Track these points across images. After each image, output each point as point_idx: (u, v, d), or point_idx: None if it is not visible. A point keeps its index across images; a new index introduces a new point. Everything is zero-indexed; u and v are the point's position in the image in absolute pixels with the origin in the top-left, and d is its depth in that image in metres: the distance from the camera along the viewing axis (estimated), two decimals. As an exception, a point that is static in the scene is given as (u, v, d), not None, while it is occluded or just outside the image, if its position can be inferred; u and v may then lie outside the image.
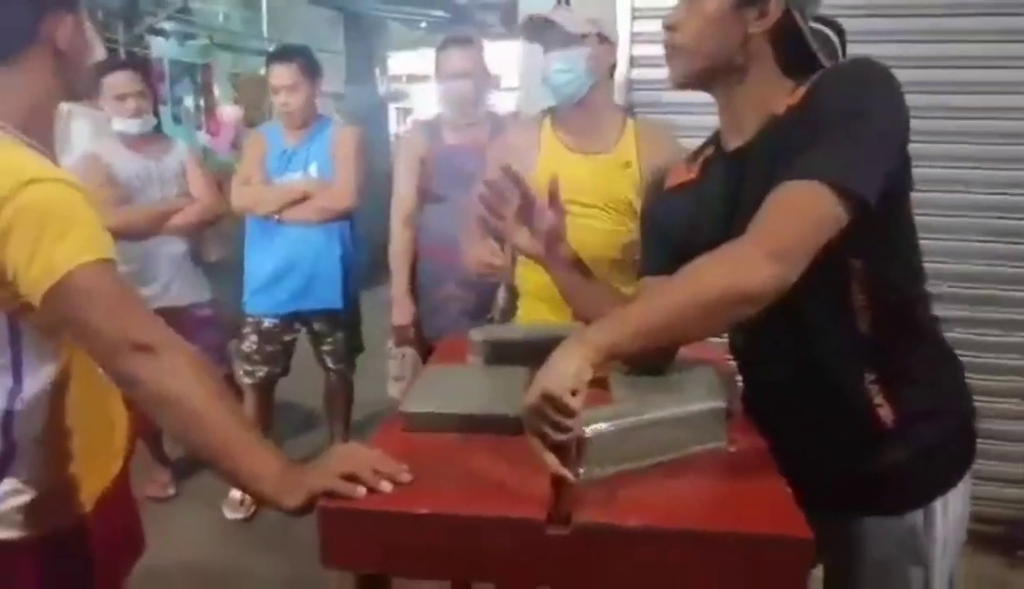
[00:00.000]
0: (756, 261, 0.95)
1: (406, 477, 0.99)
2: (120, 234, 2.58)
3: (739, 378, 1.33)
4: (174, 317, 2.80)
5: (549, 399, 0.93)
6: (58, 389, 1.11)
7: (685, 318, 0.98)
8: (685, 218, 1.22)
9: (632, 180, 1.88)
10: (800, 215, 0.97)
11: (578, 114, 1.89)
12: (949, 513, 1.14)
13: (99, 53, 1.16)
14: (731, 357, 1.39)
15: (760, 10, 1.08)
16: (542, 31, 1.83)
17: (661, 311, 0.98)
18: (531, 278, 1.96)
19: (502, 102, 3.81)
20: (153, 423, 1.04)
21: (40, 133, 1.09)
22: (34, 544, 1.11)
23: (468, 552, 0.94)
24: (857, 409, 1.11)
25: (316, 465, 1.01)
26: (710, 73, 1.13)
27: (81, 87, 1.17)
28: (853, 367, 1.11)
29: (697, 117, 2.55)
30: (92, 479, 1.19)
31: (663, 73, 2.74)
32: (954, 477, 1.16)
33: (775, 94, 1.11)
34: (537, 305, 1.96)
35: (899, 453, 1.11)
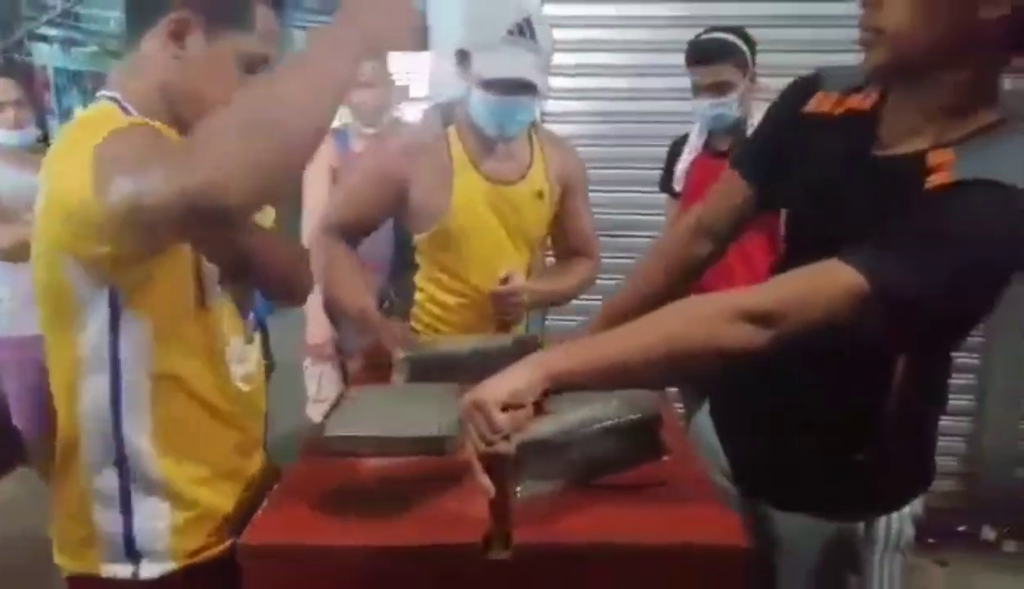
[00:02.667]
0: (727, 318, 0.91)
1: None
2: (7, 256, 2.40)
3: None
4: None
5: (479, 407, 0.91)
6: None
7: (651, 366, 0.94)
8: (808, 166, 1.07)
9: (543, 213, 1.77)
10: (810, 287, 0.91)
11: (488, 140, 1.69)
12: (893, 527, 1.14)
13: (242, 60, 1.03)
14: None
15: None
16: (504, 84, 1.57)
17: (629, 353, 0.94)
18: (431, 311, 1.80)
19: (411, 112, 3.77)
20: None
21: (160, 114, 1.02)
22: None
23: (403, 585, 0.89)
24: (843, 446, 1.08)
25: None
26: (919, 66, 0.92)
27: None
28: (864, 425, 1.07)
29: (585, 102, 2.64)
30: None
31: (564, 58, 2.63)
32: (906, 498, 1.15)
33: (978, 101, 0.93)
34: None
35: (877, 476, 1.09)
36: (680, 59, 2.14)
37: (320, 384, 2.58)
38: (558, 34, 1.61)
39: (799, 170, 1.09)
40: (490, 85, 1.58)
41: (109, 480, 1.02)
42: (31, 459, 2.91)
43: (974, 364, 2.78)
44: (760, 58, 2.11)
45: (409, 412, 1.20)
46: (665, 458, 1.09)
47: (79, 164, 0.87)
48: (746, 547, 0.88)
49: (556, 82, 2.66)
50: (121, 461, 1.02)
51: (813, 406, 1.09)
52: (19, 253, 2.46)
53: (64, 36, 4.90)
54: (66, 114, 4.75)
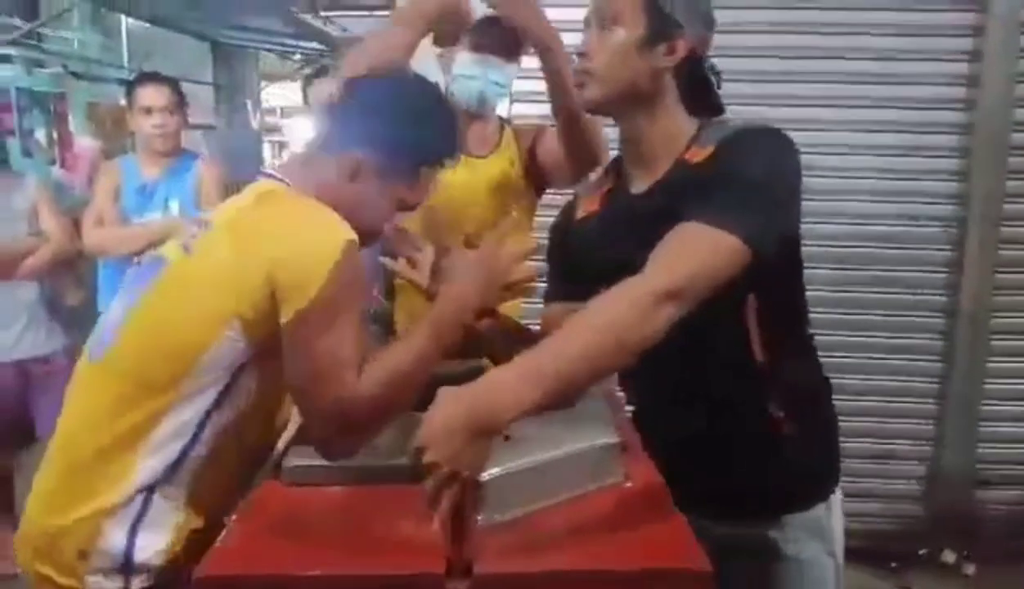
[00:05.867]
0: (652, 302, 0.98)
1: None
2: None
3: (629, 409, 1.36)
4: (28, 370, 2.57)
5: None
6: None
7: (592, 363, 0.97)
8: (592, 251, 1.25)
9: (518, 183, 1.84)
10: (700, 257, 1.01)
11: (468, 118, 1.77)
12: (840, 505, 1.26)
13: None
14: (620, 389, 1.41)
15: (668, 47, 1.15)
16: (491, 37, 1.66)
17: (567, 360, 0.96)
18: (406, 305, 1.86)
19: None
20: None
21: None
22: None
23: (364, 614, 0.88)
24: (762, 424, 1.18)
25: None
26: (619, 101, 1.17)
27: None
28: (754, 389, 1.18)
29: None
30: None
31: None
32: (838, 472, 1.28)
33: (681, 133, 1.18)
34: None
35: (800, 454, 1.19)
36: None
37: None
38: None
39: (599, 248, 1.24)
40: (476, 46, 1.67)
41: (133, 507, 1.08)
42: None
43: (933, 389, 2.84)
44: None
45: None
46: (628, 485, 1.10)
47: (310, 262, 1.02)
48: (709, 571, 0.88)
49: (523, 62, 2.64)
50: (150, 491, 1.08)
51: (705, 405, 1.19)
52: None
53: (27, 57, 4.83)
54: (27, 135, 4.65)
